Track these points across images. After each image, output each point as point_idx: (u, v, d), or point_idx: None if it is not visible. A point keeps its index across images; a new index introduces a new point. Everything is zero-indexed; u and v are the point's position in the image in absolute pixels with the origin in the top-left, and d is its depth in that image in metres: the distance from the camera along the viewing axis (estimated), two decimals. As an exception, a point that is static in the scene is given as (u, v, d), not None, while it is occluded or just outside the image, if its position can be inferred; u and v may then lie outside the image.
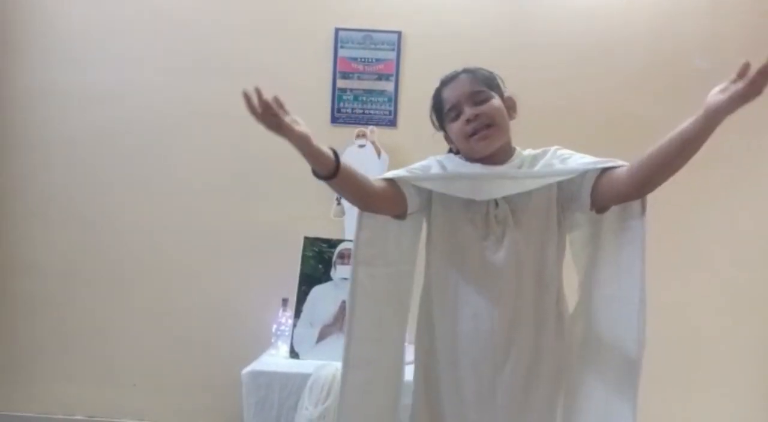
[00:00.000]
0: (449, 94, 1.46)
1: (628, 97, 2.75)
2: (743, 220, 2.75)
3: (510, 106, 1.48)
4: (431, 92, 2.74)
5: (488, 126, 1.41)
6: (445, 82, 1.49)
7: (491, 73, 1.49)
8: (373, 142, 2.65)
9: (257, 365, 2.24)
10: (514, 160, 1.45)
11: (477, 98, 1.42)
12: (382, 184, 1.47)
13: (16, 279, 2.83)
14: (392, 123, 2.79)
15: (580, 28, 2.76)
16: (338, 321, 2.38)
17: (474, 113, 1.40)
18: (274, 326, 2.49)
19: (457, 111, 1.44)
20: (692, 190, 2.73)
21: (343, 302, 2.40)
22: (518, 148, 1.50)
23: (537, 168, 1.41)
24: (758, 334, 2.75)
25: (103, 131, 2.82)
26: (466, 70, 1.47)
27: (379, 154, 2.65)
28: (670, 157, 1.30)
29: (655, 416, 2.64)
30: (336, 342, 2.35)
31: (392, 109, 2.79)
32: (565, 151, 1.45)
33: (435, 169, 1.48)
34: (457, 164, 1.48)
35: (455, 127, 1.44)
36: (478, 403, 1.41)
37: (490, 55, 2.74)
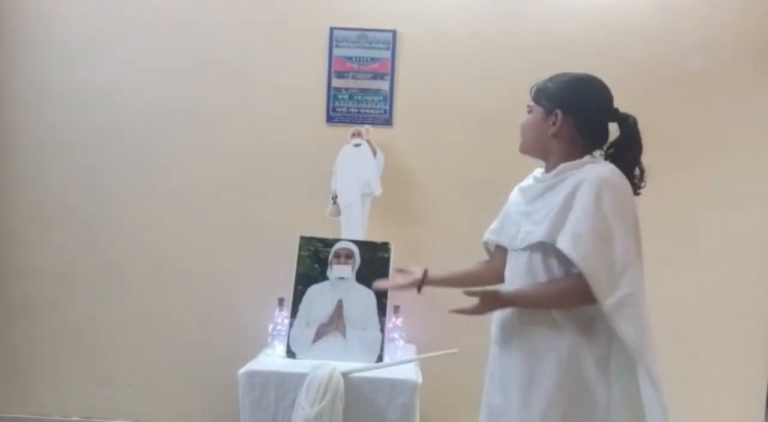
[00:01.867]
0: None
1: (622, 97, 2.73)
2: (737, 218, 2.76)
3: (560, 129, 1.51)
4: (426, 91, 2.78)
5: (522, 135, 1.58)
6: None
7: (556, 85, 1.54)
8: (368, 141, 2.65)
9: (254, 365, 2.24)
10: (548, 175, 1.53)
11: (527, 109, 1.58)
12: (489, 261, 1.76)
13: (12, 281, 2.82)
14: (388, 122, 2.79)
15: (574, 29, 2.76)
16: (334, 321, 2.39)
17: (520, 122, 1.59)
18: (271, 326, 2.49)
19: None
20: (686, 187, 2.75)
21: (340, 301, 2.41)
22: (565, 164, 1.49)
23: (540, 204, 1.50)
24: (753, 332, 2.76)
25: (100, 132, 2.81)
26: (539, 81, 1.57)
27: (374, 153, 2.65)
28: None
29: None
30: (332, 342, 2.35)
31: (387, 108, 2.79)
32: (581, 191, 1.41)
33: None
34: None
35: None
36: None
37: (484, 55, 2.78)
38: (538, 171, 1.59)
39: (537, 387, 1.42)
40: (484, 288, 1.48)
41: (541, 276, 1.45)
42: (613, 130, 1.55)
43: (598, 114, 1.52)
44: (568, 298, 1.40)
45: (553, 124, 1.50)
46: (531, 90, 1.57)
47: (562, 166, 1.48)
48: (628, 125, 1.50)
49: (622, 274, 1.34)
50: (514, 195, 1.65)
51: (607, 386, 1.41)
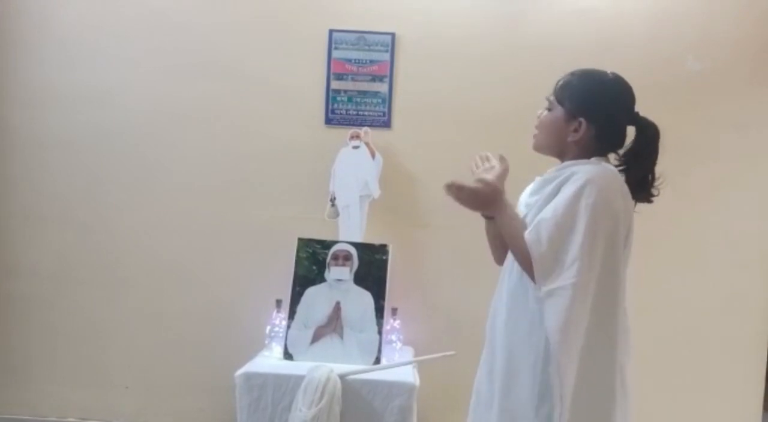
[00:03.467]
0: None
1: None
2: (738, 220, 2.77)
3: (579, 134, 1.49)
4: (425, 93, 2.79)
5: (537, 129, 1.56)
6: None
7: (582, 87, 1.51)
8: (367, 144, 2.65)
9: (251, 366, 2.23)
10: (551, 170, 1.53)
11: (547, 105, 1.55)
12: None
13: (9, 281, 2.81)
14: (386, 124, 2.79)
15: (574, 31, 2.77)
16: (332, 323, 2.38)
17: (538, 115, 1.56)
18: (268, 327, 2.48)
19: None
20: (687, 189, 2.76)
21: (337, 303, 2.41)
22: (570, 162, 1.50)
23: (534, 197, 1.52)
24: (753, 334, 2.77)
25: (97, 132, 2.80)
26: (564, 76, 1.54)
27: (373, 155, 2.65)
28: None
29: (649, 414, 2.65)
30: (330, 344, 2.35)
31: (386, 110, 2.79)
32: (566, 185, 1.42)
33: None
34: None
35: None
36: None
37: (483, 57, 2.78)
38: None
39: (517, 378, 1.43)
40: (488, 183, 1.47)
41: None
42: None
43: (621, 122, 1.52)
44: (521, 255, 1.41)
45: (575, 130, 1.48)
46: (557, 85, 1.52)
47: (567, 162, 1.49)
48: (649, 134, 1.50)
49: (567, 267, 1.34)
50: (526, 190, 1.66)
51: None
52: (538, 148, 1.56)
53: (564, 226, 1.35)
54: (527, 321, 1.44)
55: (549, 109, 1.53)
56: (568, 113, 1.48)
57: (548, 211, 1.38)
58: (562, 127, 1.49)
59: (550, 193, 1.44)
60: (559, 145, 1.51)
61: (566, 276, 1.33)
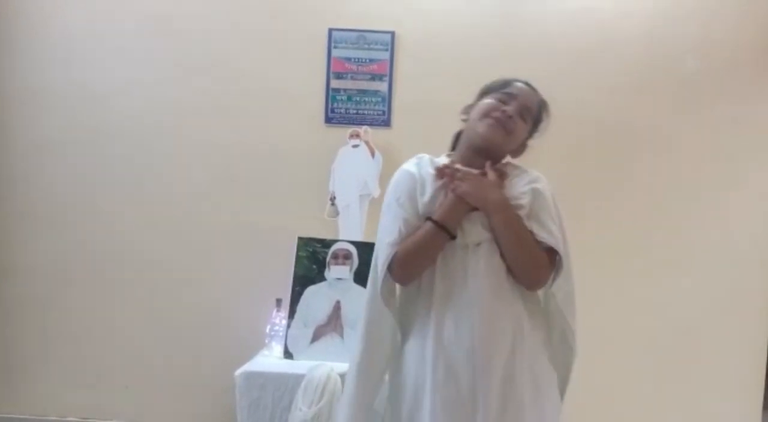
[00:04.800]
0: (517, 89, 1.54)
1: (620, 99, 2.76)
2: (737, 220, 2.77)
3: (522, 147, 1.58)
4: (424, 92, 2.78)
5: (505, 128, 1.48)
6: (525, 83, 1.57)
7: (548, 119, 1.58)
8: (366, 142, 2.65)
9: (251, 366, 2.23)
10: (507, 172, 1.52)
11: (524, 113, 1.51)
12: None
13: (8, 281, 2.81)
14: (386, 123, 2.79)
15: (573, 32, 2.77)
16: (332, 322, 2.38)
17: (512, 113, 1.48)
18: (268, 326, 2.48)
19: (506, 99, 1.50)
20: (686, 189, 2.76)
21: (337, 302, 2.40)
22: (509, 160, 1.56)
23: (511, 192, 1.46)
24: (753, 333, 2.77)
25: (96, 132, 2.80)
26: (539, 98, 1.56)
27: (372, 154, 2.65)
28: None
29: (649, 414, 2.66)
30: (330, 343, 2.35)
31: (386, 109, 2.79)
32: (540, 196, 1.47)
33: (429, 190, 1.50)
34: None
35: (489, 102, 1.51)
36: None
37: (483, 56, 2.78)
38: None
39: (544, 376, 1.46)
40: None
41: None
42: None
43: None
44: (530, 256, 1.41)
45: (519, 150, 1.56)
46: (540, 104, 1.55)
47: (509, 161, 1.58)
48: None
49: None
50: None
51: None
52: (496, 146, 1.52)
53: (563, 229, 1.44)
54: (529, 319, 1.44)
55: (524, 120, 1.52)
56: (527, 134, 1.56)
57: (550, 214, 1.43)
58: (519, 140, 1.55)
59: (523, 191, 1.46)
60: (506, 151, 1.56)
61: (570, 274, 1.43)
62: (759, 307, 2.77)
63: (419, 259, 1.41)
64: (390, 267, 1.41)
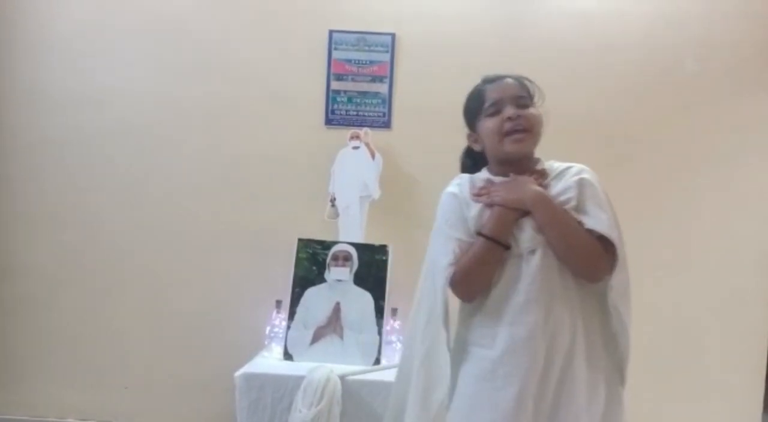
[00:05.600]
0: (493, 91, 1.47)
1: (620, 101, 2.77)
2: (738, 220, 2.77)
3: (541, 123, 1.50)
4: (425, 94, 2.78)
5: (525, 130, 1.43)
6: (490, 81, 1.50)
7: (534, 84, 1.51)
8: (367, 144, 2.65)
9: (251, 367, 2.23)
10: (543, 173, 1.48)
11: (520, 102, 1.44)
12: None
13: (8, 282, 2.81)
14: (386, 125, 2.79)
15: (573, 32, 2.77)
16: (332, 323, 2.38)
17: (516, 113, 1.42)
18: (268, 328, 2.48)
19: (497, 108, 1.45)
20: (687, 190, 2.76)
21: (337, 304, 2.40)
22: (542, 159, 1.51)
23: (556, 189, 1.42)
24: (753, 334, 2.77)
25: (94, 133, 2.81)
26: (512, 76, 1.49)
27: (373, 155, 2.65)
28: None
29: (648, 414, 2.65)
30: (329, 344, 2.35)
31: (386, 110, 2.79)
32: (588, 185, 1.42)
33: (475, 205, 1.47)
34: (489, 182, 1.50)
35: (491, 122, 1.45)
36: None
37: (483, 58, 2.78)
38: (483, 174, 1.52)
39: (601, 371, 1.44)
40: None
41: None
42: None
43: None
44: (583, 249, 1.37)
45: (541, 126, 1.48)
46: (521, 81, 1.48)
47: (549, 162, 1.50)
48: None
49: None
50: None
51: None
52: (532, 146, 1.46)
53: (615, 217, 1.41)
54: (593, 314, 1.43)
55: (526, 106, 1.45)
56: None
57: (599, 202, 1.39)
58: (541, 118, 1.47)
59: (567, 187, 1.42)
60: (540, 135, 1.48)
61: (626, 263, 1.40)
62: (759, 307, 2.77)
63: (478, 274, 1.39)
64: (452, 287, 1.40)
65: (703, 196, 2.77)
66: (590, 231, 1.36)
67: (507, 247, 1.38)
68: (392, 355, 2.41)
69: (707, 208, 2.77)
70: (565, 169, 1.47)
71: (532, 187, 1.40)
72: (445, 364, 1.43)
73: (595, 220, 1.37)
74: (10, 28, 2.81)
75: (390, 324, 2.50)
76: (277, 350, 2.39)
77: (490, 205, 1.41)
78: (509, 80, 1.48)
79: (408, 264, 2.75)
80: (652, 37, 2.77)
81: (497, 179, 1.47)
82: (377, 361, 2.31)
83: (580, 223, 1.37)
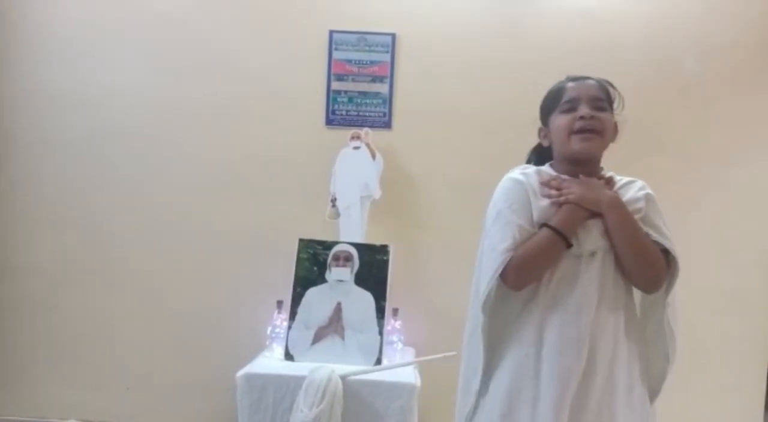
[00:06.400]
0: (572, 90, 1.47)
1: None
2: (738, 220, 2.77)
3: (615, 131, 1.51)
4: (425, 94, 2.78)
5: (595, 131, 1.42)
6: (573, 79, 1.50)
7: (616, 90, 1.52)
8: (367, 144, 2.65)
9: (252, 367, 2.23)
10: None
11: (597, 104, 1.44)
12: None
13: (9, 282, 2.81)
14: (387, 125, 2.79)
15: (573, 32, 2.77)
16: (333, 324, 2.38)
17: (590, 113, 1.42)
18: (269, 328, 2.48)
19: (572, 105, 1.45)
20: (686, 189, 2.76)
21: (338, 304, 2.41)
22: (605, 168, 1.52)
23: (626, 198, 1.44)
24: (753, 334, 2.77)
25: (97, 132, 2.81)
26: (595, 78, 1.50)
27: (373, 155, 2.65)
28: None
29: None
30: (331, 345, 2.35)
31: (387, 110, 2.79)
32: (653, 201, 1.48)
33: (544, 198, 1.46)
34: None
35: (563, 119, 1.45)
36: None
37: (484, 58, 2.78)
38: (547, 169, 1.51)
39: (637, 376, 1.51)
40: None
41: None
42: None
43: None
44: (649, 260, 1.40)
45: (614, 135, 1.49)
46: (602, 84, 1.49)
47: (610, 173, 1.51)
48: None
49: None
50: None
51: None
52: (598, 150, 1.46)
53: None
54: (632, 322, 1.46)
55: (602, 109, 1.44)
56: (611, 116, 1.48)
57: (663, 220, 1.47)
58: (613, 125, 1.48)
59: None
60: (609, 141, 1.49)
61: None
62: (759, 307, 2.78)
63: (535, 265, 1.38)
64: (503, 274, 1.39)
65: (703, 195, 2.77)
66: (656, 243, 1.40)
67: (569, 245, 1.38)
68: (393, 355, 2.42)
69: (707, 208, 2.77)
70: (630, 182, 1.50)
71: (608, 192, 1.42)
72: (479, 351, 1.44)
73: (660, 235, 1.41)
74: (10, 28, 2.81)
75: (391, 324, 2.50)
76: (279, 350, 2.39)
77: (559, 202, 1.41)
78: (591, 81, 1.49)
79: (409, 264, 2.77)
80: (652, 37, 2.77)
81: (565, 177, 1.47)
82: (378, 361, 2.32)
83: (647, 234, 1.40)
